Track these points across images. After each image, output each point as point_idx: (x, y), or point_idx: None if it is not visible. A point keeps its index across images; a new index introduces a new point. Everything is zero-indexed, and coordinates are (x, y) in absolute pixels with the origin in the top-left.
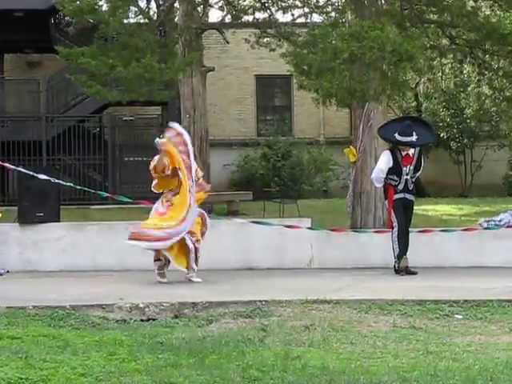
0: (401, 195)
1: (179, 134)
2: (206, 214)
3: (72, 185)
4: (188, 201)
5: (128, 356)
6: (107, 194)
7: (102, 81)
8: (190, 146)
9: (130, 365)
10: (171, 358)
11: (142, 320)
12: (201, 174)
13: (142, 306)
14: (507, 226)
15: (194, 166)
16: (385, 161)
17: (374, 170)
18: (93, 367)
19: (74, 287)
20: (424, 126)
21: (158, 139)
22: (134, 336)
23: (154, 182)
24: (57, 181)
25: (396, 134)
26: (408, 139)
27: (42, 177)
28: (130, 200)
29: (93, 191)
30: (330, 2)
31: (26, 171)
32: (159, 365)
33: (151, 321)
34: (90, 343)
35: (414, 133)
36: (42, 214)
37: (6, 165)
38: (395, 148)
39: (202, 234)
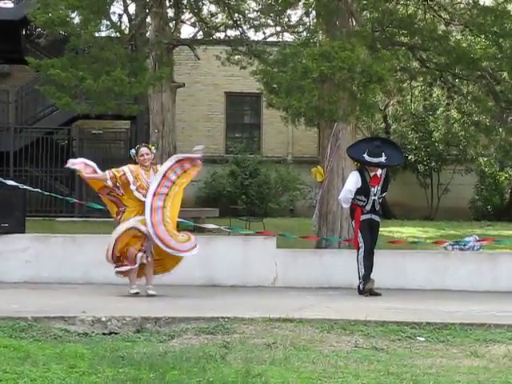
0: (368, 216)
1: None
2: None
3: (39, 190)
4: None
5: (88, 369)
6: (74, 200)
7: (71, 93)
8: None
9: (90, 378)
10: (132, 372)
11: (103, 334)
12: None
13: (104, 319)
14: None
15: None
16: (353, 181)
17: (341, 191)
18: (53, 379)
19: (37, 299)
20: (393, 147)
21: (133, 150)
22: (95, 349)
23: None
24: (25, 187)
25: (365, 155)
26: (377, 160)
27: (10, 182)
28: (99, 206)
29: (60, 197)
30: (301, 22)
31: None
32: (120, 379)
33: (113, 335)
34: (50, 355)
35: (383, 154)
36: (6, 225)
37: None
38: (363, 168)
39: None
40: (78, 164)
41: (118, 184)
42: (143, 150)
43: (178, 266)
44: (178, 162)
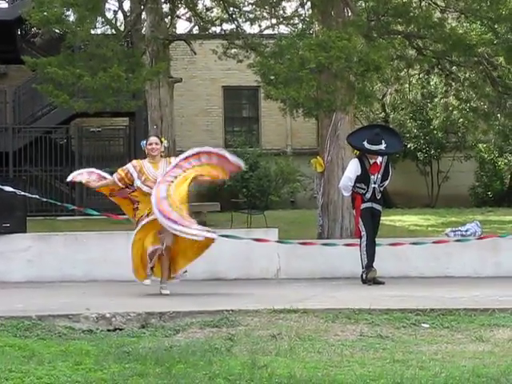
0: (368, 204)
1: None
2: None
3: (38, 197)
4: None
5: (94, 365)
6: (73, 207)
7: (69, 91)
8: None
9: (97, 374)
10: (138, 367)
11: (108, 330)
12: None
13: (108, 315)
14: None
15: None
16: (353, 169)
17: (341, 179)
18: (59, 377)
19: (41, 298)
20: (392, 134)
21: (143, 141)
22: (101, 346)
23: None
24: (23, 193)
25: (365, 142)
26: (376, 147)
27: (8, 189)
28: (97, 213)
29: (59, 203)
30: (296, 13)
31: None
32: (126, 374)
33: (118, 331)
34: (56, 353)
35: (382, 141)
36: (8, 225)
37: None
38: (363, 156)
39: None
40: (80, 176)
41: (127, 183)
42: (152, 138)
43: (200, 255)
44: (197, 153)
